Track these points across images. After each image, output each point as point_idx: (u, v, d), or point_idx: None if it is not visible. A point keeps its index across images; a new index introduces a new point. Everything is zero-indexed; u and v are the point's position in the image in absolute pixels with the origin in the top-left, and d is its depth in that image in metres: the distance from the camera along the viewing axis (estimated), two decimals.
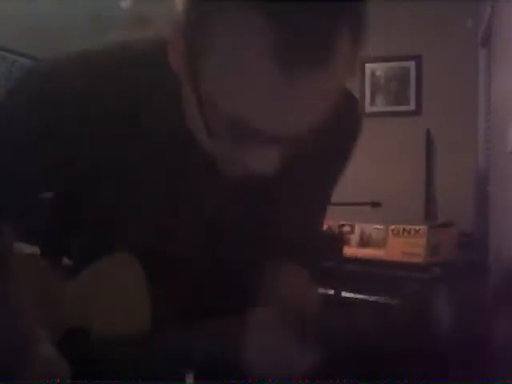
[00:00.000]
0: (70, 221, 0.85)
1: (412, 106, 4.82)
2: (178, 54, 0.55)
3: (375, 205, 2.79)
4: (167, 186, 0.70)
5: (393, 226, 2.33)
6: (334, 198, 0.89)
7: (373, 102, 4.94)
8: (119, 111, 0.64)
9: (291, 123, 0.52)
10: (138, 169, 0.68)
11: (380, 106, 4.92)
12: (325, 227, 2.08)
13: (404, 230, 2.31)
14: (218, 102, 0.52)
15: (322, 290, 2.48)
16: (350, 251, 2.47)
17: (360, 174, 4.55)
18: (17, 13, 3.58)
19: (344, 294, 2.42)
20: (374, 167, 4.64)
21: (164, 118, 0.65)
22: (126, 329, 0.73)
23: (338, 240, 2.05)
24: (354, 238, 2.53)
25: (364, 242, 2.44)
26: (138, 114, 0.65)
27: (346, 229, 2.56)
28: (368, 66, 4.93)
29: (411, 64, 4.80)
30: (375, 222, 2.55)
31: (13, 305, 0.68)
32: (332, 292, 2.41)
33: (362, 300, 2.39)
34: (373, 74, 4.94)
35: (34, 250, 0.88)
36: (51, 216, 0.91)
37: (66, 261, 0.93)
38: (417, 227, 2.29)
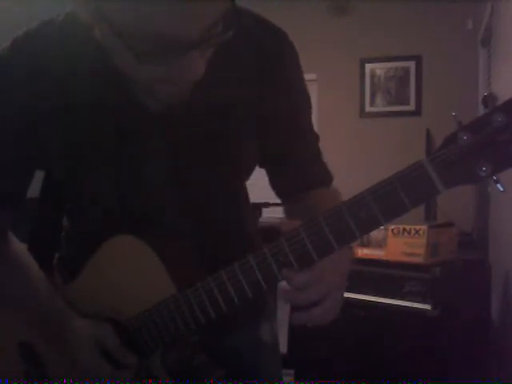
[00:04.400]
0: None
1: (412, 106, 4.81)
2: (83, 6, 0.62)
3: None
4: (110, 127, 0.77)
5: (393, 226, 2.33)
6: None
7: (373, 102, 4.94)
8: (57, 68, 0.74)
9: (190, 21, 0.57)
10: (81, 108, 0.76)
11: (380, 106, 4.92)
12: None
13: (404, 229, 2.30)
14: (132, 27, 0.57)
15: None
16: None
17: (359, 174, 4.54)
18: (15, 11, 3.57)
19: (344, 293, 2.41)
20: (374, 167, 4.63)
21: (91, 63, 0.73)
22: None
23: None
24: None
25: (364, 242, 2.43)
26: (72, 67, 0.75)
27: None
28: (368, 66, 4.93)
29: (411, 64, 4.80)
30: None
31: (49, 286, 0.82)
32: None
33: (361, 300, 2.39)
34: (373, 74, 4.93)
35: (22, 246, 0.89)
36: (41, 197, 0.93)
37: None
38: (417, 227, 2.28)
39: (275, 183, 0.91)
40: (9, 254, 0.85)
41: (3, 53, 0.76)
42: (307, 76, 0.85)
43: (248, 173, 0.87)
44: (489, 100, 0.66)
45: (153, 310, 0.77)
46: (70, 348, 0.79)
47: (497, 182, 0.58)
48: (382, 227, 0.65)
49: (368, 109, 4.95)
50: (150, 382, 0.78)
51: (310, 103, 0.88)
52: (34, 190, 0.88)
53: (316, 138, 0.91)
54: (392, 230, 2.33)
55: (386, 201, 0.62)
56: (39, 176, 0.87)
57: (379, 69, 4.91)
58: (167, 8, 0.55)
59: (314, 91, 4.82)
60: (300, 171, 0.88)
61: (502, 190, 0.59)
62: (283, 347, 2.56)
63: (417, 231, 2.28)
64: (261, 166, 0.90)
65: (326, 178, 0.91)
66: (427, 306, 2.22)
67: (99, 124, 0.76)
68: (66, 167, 0.80)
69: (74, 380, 0.81)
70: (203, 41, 0.60)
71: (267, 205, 2.76)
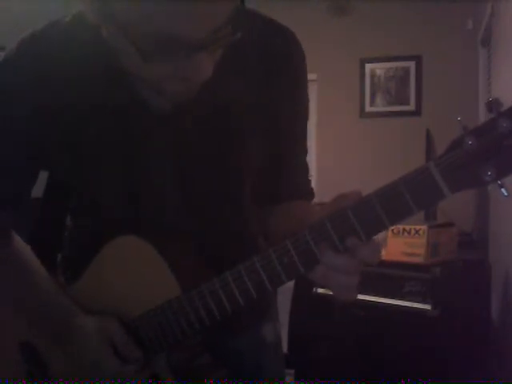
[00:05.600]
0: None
1: (412, 106, 4.82)
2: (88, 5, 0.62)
3: None
4: (114, 128, 0.77)
5: (393, 226, 2.33)
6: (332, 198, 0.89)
7: (373, 102, 4.94)
8: (61, 68, 0.74)
9: (197, 22, 0.58)
10: (84, 111, 0.76)
11: (380, 106, 4.92)
12: None
13: (404, 229, 2.31)
14: (137, 26, 0.58)
15: (322, 291, 2.48)
16: None
17: (359, 174, 4.54)
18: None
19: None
20: (374, 167, 4.64)
21: (97, 65, 0.74)
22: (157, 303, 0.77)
23: None
24: None
25: None
26: (76, 68, 0.75)
27: None
28: (368, 66, 4.93)
29: (411, 64, 4.81)
30: None
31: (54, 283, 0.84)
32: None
33: (361, 300, 2.39)
34: (373, 74, 4.94)
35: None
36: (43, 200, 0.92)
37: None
38: (417, 227, 2.28)
39: (262, 186, 0.90)
40: (11, 253, 0.85)
41: (9, 55, 0.76)
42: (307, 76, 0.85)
43: (251, 173, 0.87)
44: (493, 105, 0.66)
45: (157, 311, 0.77)
46: (71, 348, 0.80)
47: (501, 186, 0.59)
48: None
49: (368, 109, 4.96)
50: (153, 382, 0.78)
51: (308, 109, 0.88)
52: (37, 190, 0.88)
53: (306, 150, 0.91)
54: (392, 230, 2.33)
55: (392, 204, 0.62)
56: (42, 176, 0.87)
57: (379, 69, 4.91)
58: (173, 9, 0.55)
59: (313, 91, 4.82)
60: (292, 177, 0.88)
61: (505, 195, 0.59)
62: (283, 347, 2.56)
63: (417, 231, 2.28)
64: None
65: (311, 192, 0.91)
66: (427, 306, 2.22)
67: (102, 124, 0.76)
68: (69, 167, 0.80)
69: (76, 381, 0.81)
70: (211, 42, 0.60)
71: None
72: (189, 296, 0.74)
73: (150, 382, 0.78)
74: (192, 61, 0.61)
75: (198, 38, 0.58)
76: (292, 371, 2.56)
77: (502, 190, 0.59)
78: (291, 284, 2.52)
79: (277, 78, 0.80)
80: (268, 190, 0.89)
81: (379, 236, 0.66)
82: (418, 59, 4.78)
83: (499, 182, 0.58)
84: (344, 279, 0.66)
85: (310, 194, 0.91)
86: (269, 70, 0.79)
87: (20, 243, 0.87)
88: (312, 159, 4.83)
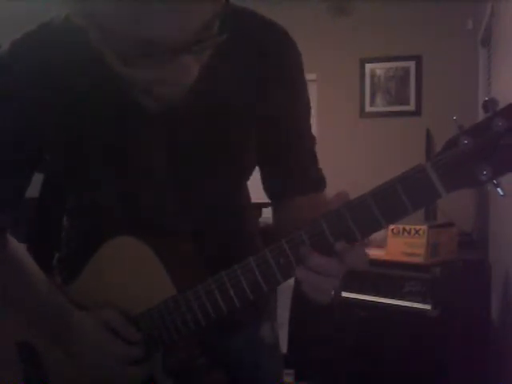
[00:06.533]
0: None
1: (412, 106, 4.82)
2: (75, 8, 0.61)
3: None
4: (108, 129, 0.77)
5: (393, 226, 2.33)
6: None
7: (373, 102, 4.94)
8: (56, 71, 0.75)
9: (177, 24, 0.56)
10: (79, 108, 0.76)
11: (380, 106, 4.92)
12: None
13: (404, 229, 2.31)
14: (117, 29, 0.56)
15: None
16: None
17: (359, 174, 4.54)
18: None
19: (344, 293, 2.42)
20: (374, 167, 4.64)
21: (87, 65, 0.73)
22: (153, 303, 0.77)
23: None
24: None
25: (364, 242, 2.43)
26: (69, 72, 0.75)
27: None
28: (368, 66, 4.93)
29: (411, 64, 4.80)
30: None
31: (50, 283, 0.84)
32: (332, 292, 2.42)
33: (361, 300, 2.39)
34: (373, 74, 4.93)
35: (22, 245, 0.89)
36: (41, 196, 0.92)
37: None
38: (417, 227, 2.28)
39: (269, 184, 0.90)
40: (7, 254, 0.85)
41: (2, 55, 0.76)
42: (307, 76, 0.85)
43: (248, 173, 0.87)
44: (489, 105, 0.66)
45: (153, 311, 0.77)
46: (71, 348, 0.80)
47: (497, 186, 0.59)
48: None
49: (368, 109, 4.95)
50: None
51: (309, 105, 0.88)
52: (34, 190, 0.88)
53: (313, 141, 0.90)
54: (392, 230, 2.33)
55: (388, 204, 0.62)
56: (39, 176, 0.87)
57: (379, 69, 4.91)
58: (152, 11, 0.54)
59: (313, 91, 4.81)
60: (296, 173, 0.87)
61: (501, 194, 0.59)
62: (283, 347, 2.56)
63: (417, 231, 2.28)
64: (257, 165, 0.89)
65: (320, 183, 0.90)
66: (427, 306, 2.22)
67: (98, 124, 0.76)
68: (66, 168, 0.80)
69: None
70: (194, 44, 0.59)
71: (267, 205, 2.76)
72: (184, 296, 0.74)
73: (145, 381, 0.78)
74: (175, 64, 0.60)
75: (180, 41, 0.57)
76: (292, 371, 2.56)
77: (498, 189, 0.59)
78: (292, 283, 2.52)
79: (271, 76, 0.80)
80: (279, 187, 0.89)
81: (379, 236, 0.66)
82: (418, 59, 4.77)
83: (495, 182, 0.58)
84: (323, 281, 0.66)
85: (322, 184, 0.90)
86: (262, 69, 0.79)
87: (15, 244, 0.87)
88: None
